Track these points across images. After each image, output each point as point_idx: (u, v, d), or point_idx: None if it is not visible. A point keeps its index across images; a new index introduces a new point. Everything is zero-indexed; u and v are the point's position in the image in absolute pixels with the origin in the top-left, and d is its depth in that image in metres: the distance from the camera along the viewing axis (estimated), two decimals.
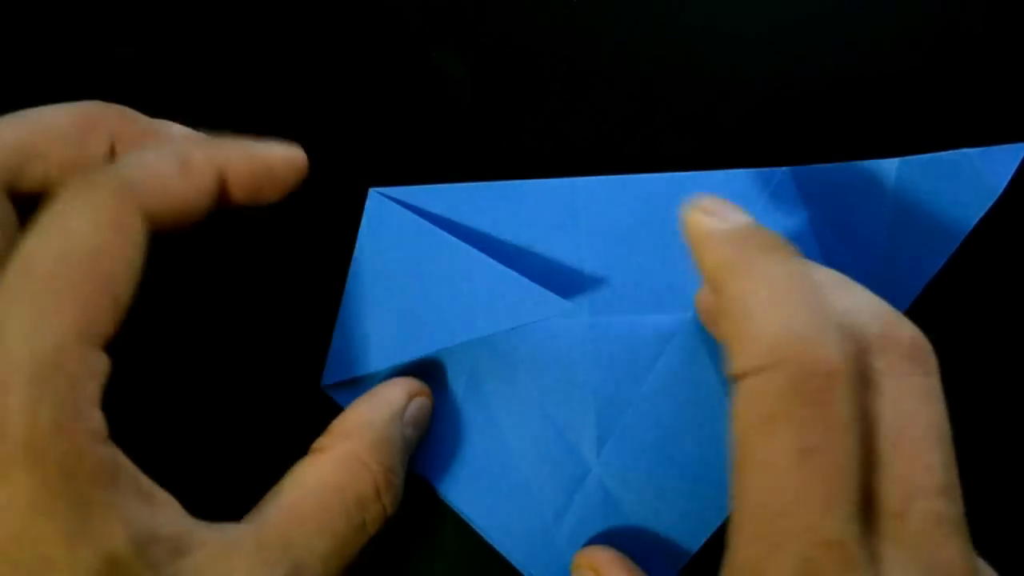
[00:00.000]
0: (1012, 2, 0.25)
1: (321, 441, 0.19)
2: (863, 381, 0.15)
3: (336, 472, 0.18)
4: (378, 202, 0.23)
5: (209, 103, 0.25)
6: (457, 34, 0.25)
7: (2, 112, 0.18)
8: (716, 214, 0.17)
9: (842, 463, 0.14)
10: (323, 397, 0.23)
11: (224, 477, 0.20)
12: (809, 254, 0.23)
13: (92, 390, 0.15)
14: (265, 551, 0.16)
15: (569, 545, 0.22)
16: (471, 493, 0.23)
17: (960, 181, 0.22)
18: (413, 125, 0.25)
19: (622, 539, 0.22)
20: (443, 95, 0.25)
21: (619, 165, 0.24)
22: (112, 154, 0.18)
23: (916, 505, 0.14)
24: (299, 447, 0.19)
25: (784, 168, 0.23)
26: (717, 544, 0.22)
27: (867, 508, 0.14)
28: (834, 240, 0.23)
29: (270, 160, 0.19)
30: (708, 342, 0.22)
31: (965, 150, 0.22)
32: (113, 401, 0.15)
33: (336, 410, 0.20)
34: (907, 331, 0.16)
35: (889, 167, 0.22)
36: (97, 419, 0.15)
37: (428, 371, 0.23)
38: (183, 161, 0.17)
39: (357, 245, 0.23)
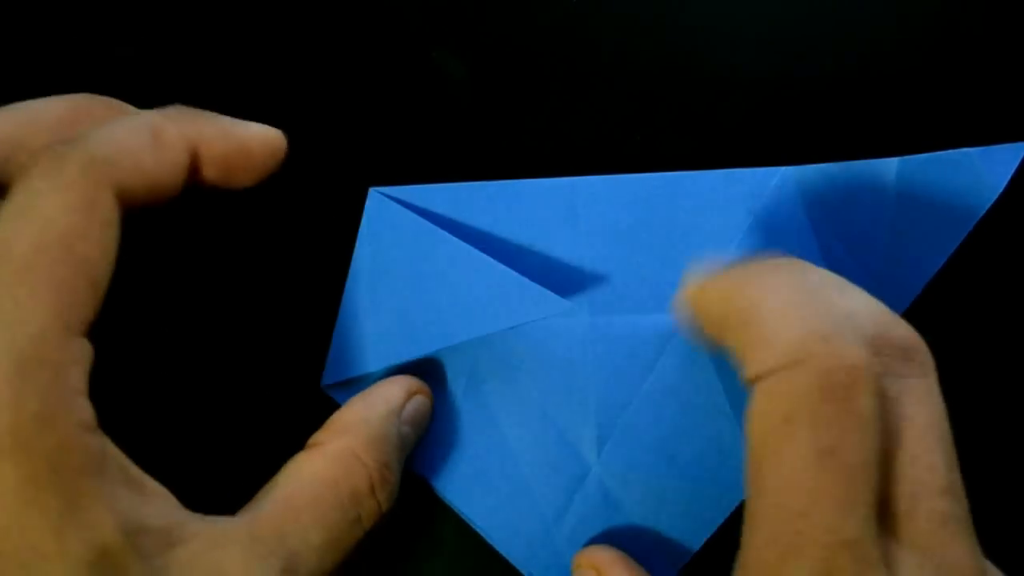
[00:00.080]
0: (1012, 2, 0.25)
1: (317, 436, 0.19)
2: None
3: (331, 467, 0.18)
4: (378, 202, 0.23)
5: (209, 103, 0.24)
6: (457, 34, 0.25)
7: None
8: (705, 272, 0.17)
9: (861, 463, 0.14)
10: (323, 396, 0.23)
11: (224, 475, 0.20)
12: (809, 254, 0.23)
13: (77, 378, 0.14)
14: (259, 543, 0.16)
15: (569, 545, 0.22)
16: (471, 493, 0.23)
17: (960, 180, 0.22)
18: (413, 125, 0.25)
19: (622, 539, 0.22)
20: (443, 95, 0.25)
21: (619, 165, 0.24)
22: None
23: (921, 505, 0.14)
24: (299, 445, 0.19)
25: (784, 168, 0.23)
26: (717, 544, 0.22)
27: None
28: (834, 240, 0.23)
29: (246, 140, 0.18)
30: None
31: (965, 149, 0.22)
32: (115, 398, 0.15)
33: (335, 409, 0.20)
34: (902, 332, 0.16)
35: (889, 167, 0.22)
36: (83, 408, 0.14)
37: (428, 371, 0.23)
38: (155, 134, 0.16)
39: (357, 245, 0.23)
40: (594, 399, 0.22)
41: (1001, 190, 0.22)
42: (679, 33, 0.25)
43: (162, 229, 0.22)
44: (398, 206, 0.23)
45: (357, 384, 0.22)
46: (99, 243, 0.15)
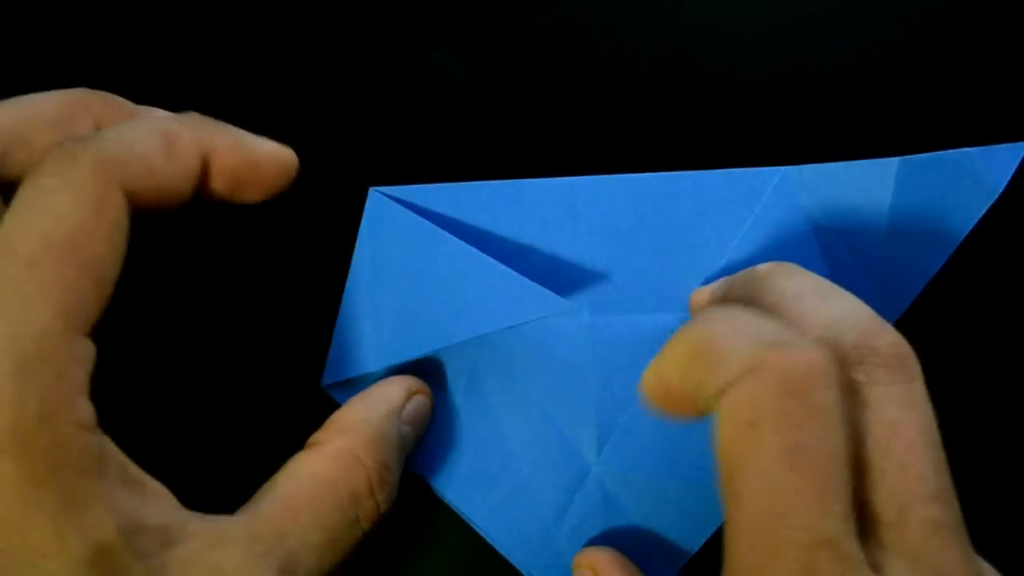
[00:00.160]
0: (1012, 2, 0.25)
1: (317, 436, 0.19)
2: (848, 388, 0.15)
3: (330, 467, 0.18)
4: (378, 201, 0.23)
5: (209, 103, 0.24)
6: (457, 34, 0.25)
7: None
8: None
9: (831, 458, 0.14)
10: (323, 396, 0.23)
11: (224, 474, 0.20)
12: (809, 254, 0.23)
13: (79, 378, 0.14)
14: (257, 542, 0.16)
15: (569, 545, 0.22)
16: (471, 493, 0.23)
17: (960, 181, 0.22)
18: (413, 125, 0.25)
19: (622, 539, 0.22)
20: (443, 95, 0.25)
21: (619, 165, 0.24)
22: None
23: (912, 514, 0.14)
24: (298, 445, 0.19)
25: (784, 168, 0.23)
26: (717, 544, 0.22)
27: (866, 519, 0.14)
28: (834, 240, 0.23)
29: (258, 154, 0.18)
30: None
31: (965, 150, 0.22)
32: (116, 397, 0.15)
33: (335, 409, 0.20)
34: (886, 339, 0.15)
35: (889, 167, 0.22)
36: (84, 408, 0.14)
37: (428, 370, 0.23)
38: (168, 139, 0.16)
39: (357, 244, 0.23)
40: (594, 399, 0.22)
41: (1001, 190, 0.22)
42: (679, 33, 0.25)
43: (162, 228, 0.22)
44: (398, 206, 0.23)
45: (357, 384, 0.22)
46: (107, 243, 0.15)
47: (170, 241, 0.23)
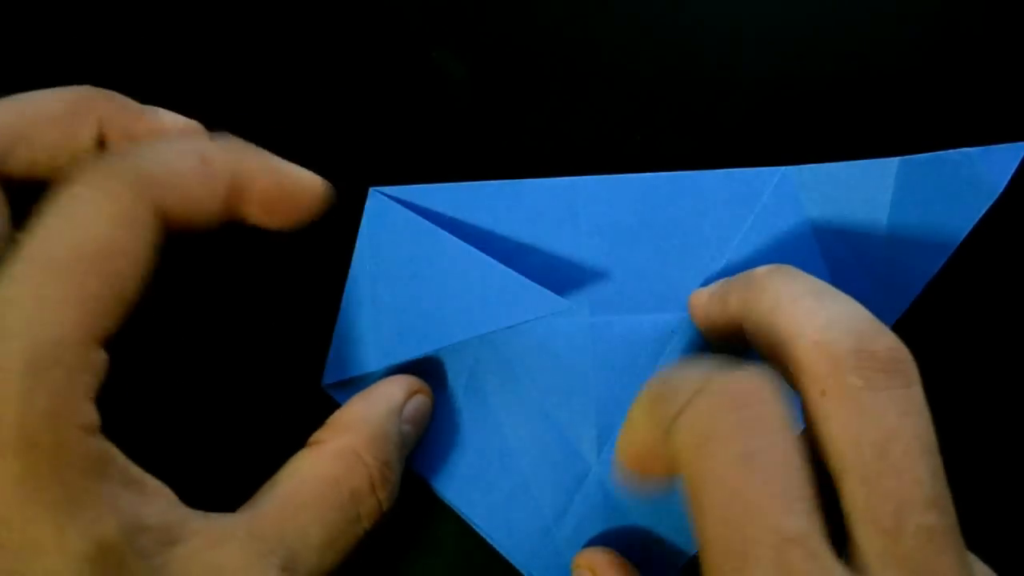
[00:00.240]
0: (1012, 2, 0.25)
1: (318, 435, 0.19)
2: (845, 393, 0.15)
3: (332, 465, 0.18)
4: (378, 201, 0.23)
5: (209, 103, 0.25)
6: (457, 34, 0.25)
7: None
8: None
9: (786, 461, 0.14)
10: (323, 396, 0.23)
11: (225, 473, 0.20)
12: (809, 254, 0.23)
13: (88, 384, 0.14)
14: (258, 540, 0.16)
15: (569, 545, 0.22)
16: (471, 493, 0.23)
17: (960, 181, 0.22)
18: (413, 125, 0.25)
19: (622, 539, 0.22)
20: (443, 95, 0.25)
21: (619, 165, 0.24)
22: (101, 139, 0.18)
23: (907, 521, 0.14)
24: (299, 444, 0.19)
25: (784, 168, 0.23)
26: None
27: (860, 526, 0.14)
28: (834, 240, 0.23)
29: (292, 181, 0.18)
30: (708, 342, 0.22)
31: (965, 150, 0.22)
32: (119, 397, 0.15)
33: (336, 408, 0.20)
34: (883, 344, 0.15)
35: (889, 167, 0.22)
36: (90, 413, 0.14)
37: (428, 370, 0.23)
38: (204, 161, 0.17)
39: (357, 244, 0.23)
40: (594, 399, 0.22)
41: (1001, 190, 0.22)
42: (679, 33, 0.25)
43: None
44: (398, 206, 0.23)
45: (357, 384, 0.22)
46: (135, 260, 0.15)
47: (171, 242, 0.23)
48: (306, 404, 0.22)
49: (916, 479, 0.14)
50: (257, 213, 0.18)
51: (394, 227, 0.23)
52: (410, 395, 0.21)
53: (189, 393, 0.23)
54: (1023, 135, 0.23)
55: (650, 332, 0.22)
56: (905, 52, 0.25)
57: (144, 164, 0.16)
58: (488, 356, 0.23)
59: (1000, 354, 0.23)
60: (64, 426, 0.14)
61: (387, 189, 0.23)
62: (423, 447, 0.22)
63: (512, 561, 0.22)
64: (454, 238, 0.22)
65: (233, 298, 0.24)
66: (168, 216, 0.16)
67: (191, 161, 0.16)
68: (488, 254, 0.22)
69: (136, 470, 0.15)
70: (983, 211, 0.22)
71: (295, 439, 0.19)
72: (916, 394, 0.15)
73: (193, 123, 0.19)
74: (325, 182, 0.19)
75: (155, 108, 0.19)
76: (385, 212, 0.23)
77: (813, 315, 0.16)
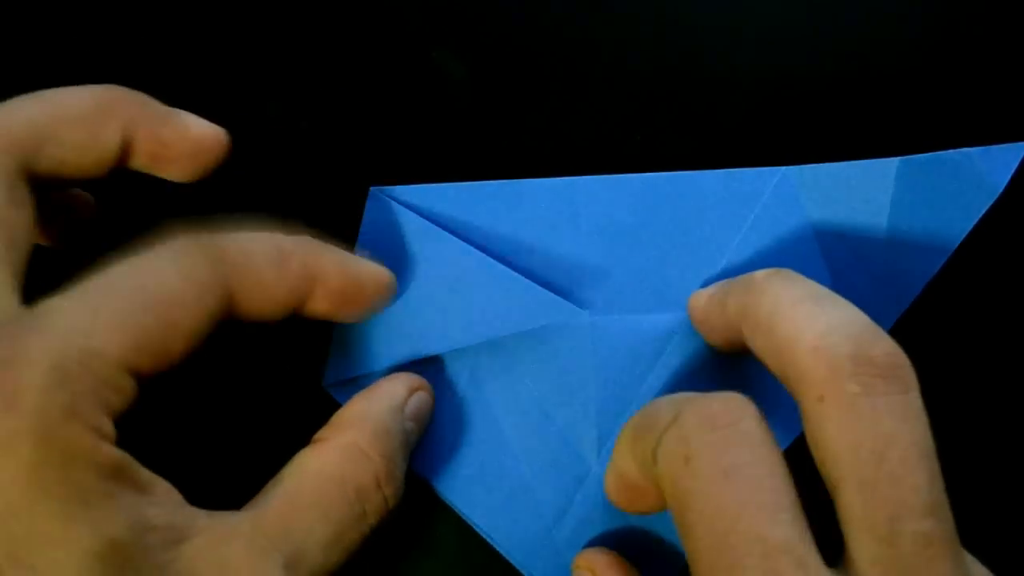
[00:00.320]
0: (1012, 2, 0.25)
1: (322, 432, 0.19)
2: (837, 402, 0.15)
3: (337, 461, 0.18)
4: (379, 201, 0.23)
5: (210, 103, 0.25)
6: (457, 34, 0.25)
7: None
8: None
9: (768, 474, 0.15)
10: (325, 396, 0.23)
11: (229, 472, 0.20)
12: (809, 254, 0.23)
13: (111, 401, 0.15)
14: (263, 538, 0.16)
15: (569, 546, 0.22)
16: (471, 493, 0.23)
17: (960, 181, 0.22)
18: (413, 125, 0.25)
19: (622, 540, 0.22)
20: (443, 95, 0.25)
21: (619, 165, 0.24)
22: (126, 141, 0.18)
23: (903, 527, 0.14)
24: (302, 443, 0.19)
25: (784, 168, 0.23)
26: None
27: (857, 534, 0.14)
28: (834, 240, 0.23)
29: (360, 277, 0.19)
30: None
31: (965, 150, 0.22)
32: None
33: (337, 408, 0.20)
34: (881, 349, 0.15)
35: (889, 167, 0.22)
36: (107, 425, 0.15)
37: (428, 370, 0.23)
38: (283, 257, 0.17)
39: (357, 244, 0.23)
40: (594, 399, 0.22)
41: (1001, 190, 0.22)
42: (679, 33, 0.25)
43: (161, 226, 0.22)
44: (399, 206, 0.23)
45: (358, 383, 0.22)
46: (193, 317, 0.16)
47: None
48: (308, 404, 0.22)
49: (913, 486, 0.14)
50: (325, 307, 0.18)
51: (394, 227, 0.23)
52: (412, 392, 0.21)
53: (191, 393, 0.23)
54: (1023, 135, 0.23)
55: (650, 332, 0.22)
56: (905, 52, 0.25)
57: (227, 245, 0.17)
58: (488, 356, 0.23)
59: (1000, 354, 0.23)
60: (80, 427, 0.14)
61: (387, 189, 0.23)
62: (423, 447, 0.22)
63: (512, 561, 0.22)
64: (454, 238, 0.22)
65: None
66: (237, 300, 0.17)
67: (272, 256, 0.17)
68: (488, 254, 0.22)
69: (146, 473, 0.15)
70: (983, 211, 0.22)
71: (297, 438, 0.19)
72: (914, 400, 0.15)
73: (218, 129, 0.19)
74: (391, 273, 0.20)
75: (180, 111, 0.19)
76: (386, 212, 0.23)
77: (812, 320, 0.16)
